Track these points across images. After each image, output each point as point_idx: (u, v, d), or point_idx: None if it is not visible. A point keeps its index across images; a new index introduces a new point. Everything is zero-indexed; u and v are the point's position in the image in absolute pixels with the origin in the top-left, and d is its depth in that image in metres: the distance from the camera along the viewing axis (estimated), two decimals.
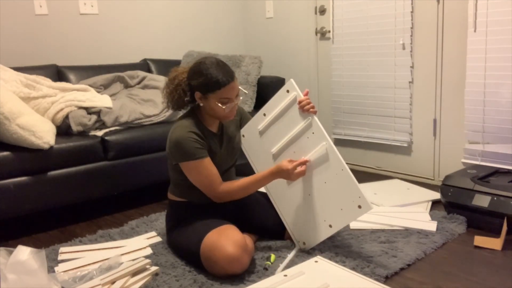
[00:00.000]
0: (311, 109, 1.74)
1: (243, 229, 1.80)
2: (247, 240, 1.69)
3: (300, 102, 1.76)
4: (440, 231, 1.94)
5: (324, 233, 1.73)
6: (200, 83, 1.66)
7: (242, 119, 1.96)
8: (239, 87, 1.74)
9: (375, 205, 2.32)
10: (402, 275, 1.62)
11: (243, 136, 1.94)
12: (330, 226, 1.71)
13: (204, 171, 1.68)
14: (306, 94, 1.78)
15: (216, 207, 1.81)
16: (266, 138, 1.87)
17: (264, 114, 1.87)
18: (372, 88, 2.94)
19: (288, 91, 1.81)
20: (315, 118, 1.74)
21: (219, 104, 1.67)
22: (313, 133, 1.74)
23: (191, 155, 1.65)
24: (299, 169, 1.69)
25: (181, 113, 2.27)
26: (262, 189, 1.97)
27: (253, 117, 1.91)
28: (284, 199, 1.85)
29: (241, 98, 1.78)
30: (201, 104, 1.72)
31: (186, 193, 1.78)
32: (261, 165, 1.92)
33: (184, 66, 1.81)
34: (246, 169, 2.11)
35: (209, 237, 1.60)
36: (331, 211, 1.70)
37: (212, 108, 1.69)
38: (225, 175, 1.84)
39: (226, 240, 1.56)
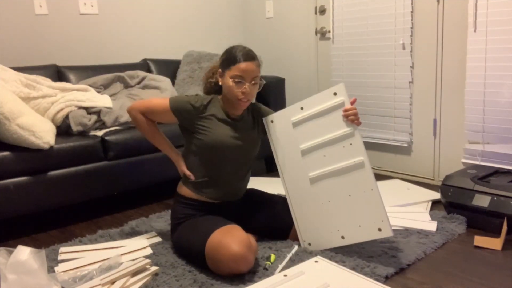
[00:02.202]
0: (355, 120, 1.69)
1: (246, 229, 1.80)
2: (251, 239, 1.69)
3: (346, 110, 1.69)
4: (440, 231, 1.94)
5: (335, 242, 1.73)
6: (222, 60, 1.75)
7: (262, 115, 1.91)
8: (259, 76, 1.76)
9: None
10: (402, 275, 1.62)
11: (272, 121, 1.87)
12: (343, 237, 1.70)
13: (156, 102, 1.80)
14: (353, 103, 1.72)
15: (220, 206, 1.82)
16: (298, 131, 1.81)
17: (302, 108, 1.80)
18: (372, 88, 2.94)
19: (335, 94, 1.74)
20: (358, 130, 1.69)
21: (232, 81, 1.69)
22: (350, 144, 1.69)
23: (174, 97, 1.79)
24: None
25: None
26: (269, 190, 1.97)
27: (288, 107, 1.85)
28: (301, 198, 1.82)
29: (258, 86, 1.76)
30: (220, 83, 1.77)
31: (196, 188, 1.79)
32: (285, 156, 1.85)
33: None
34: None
35: (214, 237, 1.60)
36: (347, 224, 1.69)
37: (227, 86, 1.72)
38: (238, 175, 1.82)
39: (231, 239, 1.56)
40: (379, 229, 1.61)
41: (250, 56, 1.70)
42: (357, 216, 1.67)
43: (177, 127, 1.85)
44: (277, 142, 1.88)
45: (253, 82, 1.72)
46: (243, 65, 1.68)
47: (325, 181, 1.75)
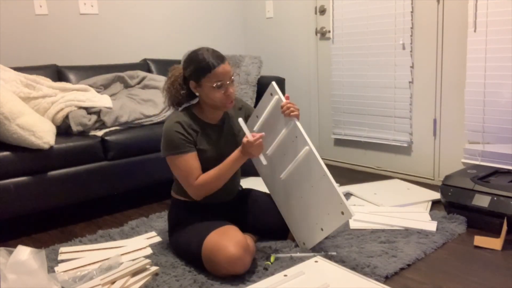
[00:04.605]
0: (291, 114, 1.73)
1: (244, 229, 1.80)
2: (248, 240, 1.69)
3: (282, 107, 1.75)
4: (440, 231, 1.94)
5: (317, 236, 1.73)
6: (192, 71, 1.67)
7: (247, 115, 1.94)
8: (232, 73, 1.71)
9: (375, 205, 2.32)
10: (402, 275, 1.62)
11: None
12: (322, 229, 1.71)
13: (183, 165, 1.66)
14: (288, 99, 1.77)
15: (217, 207, 1.81)
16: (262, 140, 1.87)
17: (257, 116, 1.88)
18: (372, 88, 2.94)
19: (271, 94, 1.82)
20: (297, 122, 1.74)
21: (213, 88, 1.65)
22: (296, 137, 1.74)
23: (174, 149, 1.66)
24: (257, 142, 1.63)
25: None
26: (266, 190, 1.97)
27: (249, 119, 1.92)
28: (283, 201, 1.85)
29: (235, 82, 1.75)
30: (197, 94, 1.72)
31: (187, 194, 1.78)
32: (260, 165, 1.92)
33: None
34: (249, 170, 2.11)
35: (211, 238, 1.60)
36: (320, 214, 1.70)
37: (208, 95, 1.68)
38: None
39: (228, 240, 1.56)
40: (342, 213, 1.61)
41: (221, 57, 1.67)
42: (323, 204, 1.68)
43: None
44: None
45: (231, 80, 1.70)
46: (219, 69, 1.64)
47: (292, 178, 1.79)
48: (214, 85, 1.65)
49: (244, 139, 1.65)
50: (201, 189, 1.69)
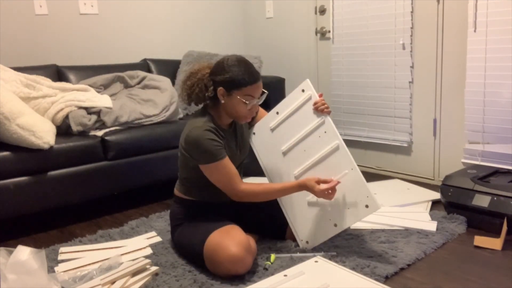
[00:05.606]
0: (325, 110, 1.77)
1: (245, 228, 1.80)
2: (250, 240, 1.69)
3: (315, 104, 1.77)
4: (440, 231, 1.94)
5: (329, 232, 1.74)
6: (225, 79, 1.65)
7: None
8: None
9: None
10: (402, 275, 1.62)
11: (254, 133, 1.93)
12: (335, 225, 1.71)
13: (223, 170, 1.66)
14: (321, 96, 1.79)
15: (219, 206, 1.81)
16: (277, 135, 1.87)
17: (277, 113, 1.87)
18: (372, 88, 2.94)
19: (303, 91, 1.82)
20: (329, 117, 1.77)
21: (243, 102, 1.66)
22: (325, 132, 1.75)
23: (213, 157, 1.64)
24: (324, 186, 1.63)
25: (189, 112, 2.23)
26: None
27: (265, 115, 1.91)
28: (291, 198, 1.84)
29: (263, 99, 1.76)
30: (222, 101, 1.69)
31: (193, 192, 1.78)
32: (269, 162, 1.90)
33: (208, 62, 1.79)
34: (252, 167, 2.11)
35: (213, 238, 1.60)
36: (337, 210, 1.70)
37: (234, 106, 1.68)
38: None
39: (230, 240, 1.56)
40: (366, 206, 1.63)
41: (257, 75, 1.68)
42: (344, 199, 1.69)
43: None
44: (261, 150, 1.93)
45: (260, 98, 1.73)
46: (254, 87, 1.66)
47: (309, 174, 1.78)
48: (244, 100, 1.66)
49: (315, 185, 1.64)
50: (245, 197, 1.70)
